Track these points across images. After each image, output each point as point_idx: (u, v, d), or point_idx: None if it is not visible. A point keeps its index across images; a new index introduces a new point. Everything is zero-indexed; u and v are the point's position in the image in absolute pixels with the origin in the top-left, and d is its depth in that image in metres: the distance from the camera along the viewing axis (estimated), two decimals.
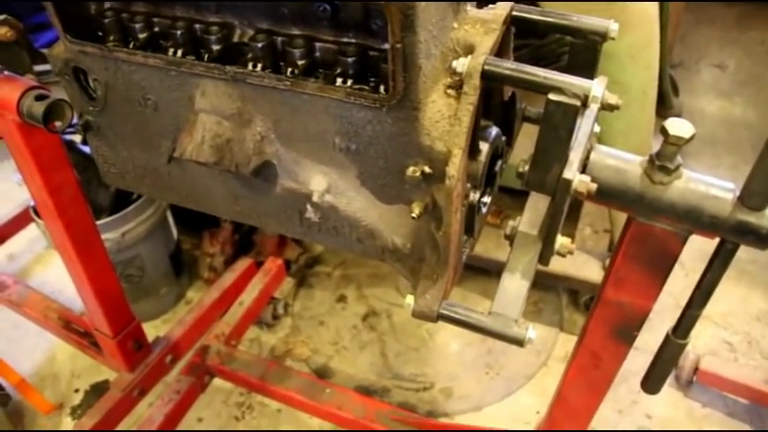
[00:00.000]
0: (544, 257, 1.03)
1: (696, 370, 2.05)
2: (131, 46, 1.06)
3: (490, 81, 0.90)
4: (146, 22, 1.05)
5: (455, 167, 0.89)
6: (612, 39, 0.98)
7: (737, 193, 0.93)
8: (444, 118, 0.90)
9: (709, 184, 0.95)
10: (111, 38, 1.08)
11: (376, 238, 1.07)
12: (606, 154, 0.99)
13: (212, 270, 2.50)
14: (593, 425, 1.44)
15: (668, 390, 2.06)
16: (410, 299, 1.01)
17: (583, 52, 1.02)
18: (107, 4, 1.07)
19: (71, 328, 2.17)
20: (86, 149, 2.19)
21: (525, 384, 2.17)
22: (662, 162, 0.95)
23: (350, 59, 0.92)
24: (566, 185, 0.92)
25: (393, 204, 1.02)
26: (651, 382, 1.31)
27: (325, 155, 1.01)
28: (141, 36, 1.05)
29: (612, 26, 0.97)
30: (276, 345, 2.36)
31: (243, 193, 1.15)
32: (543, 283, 2.43)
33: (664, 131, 0.93)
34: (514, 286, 1.00)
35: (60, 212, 1.57)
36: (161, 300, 2.49)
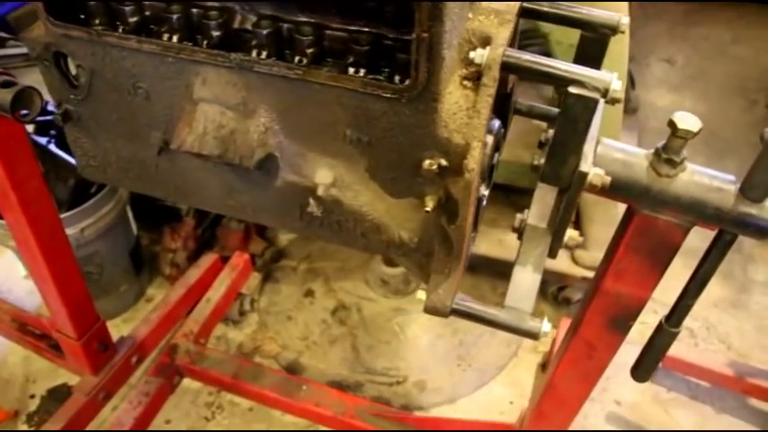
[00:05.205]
0: (553, 250, 1.03)
1: None
2: (120, 30, 1.00)
3: (508, 73, 0.89)
4: (136, 4, 0.99)
5: (474, 160, 0.88)
6: (622, 32, 0.98)
7: (738, 186, 0.96)
8: (462, 110, 0.88)
9: (712, 176, 0.97)
10: (97, 21, 1.01)
11: (382, 232, 1.05)
12: (612, 147, 1.00)
13: (174, 266, 2.41)
14: None
15: None
16: (422, 294, 0.99)
17: (592, 45, 1.02)
18: None
19: (26, 330, 2.05)
20: (41, 141, 2.08)
21: (497, 375, 2.19)
22: (668, 155, 0.96)
23: (363, 48, 0.89)
24: (581, 178, 0.92)
25: (402, 198, 1.00)
26: (642, 370, 1.34)
27: (332, 147, 0.97)
28: (132, 20, 0.99)
29: (623, 20, 0.98)
30: (244, 341, 2.30)
31: (239, 186, 1.10)
32: (510, 273, 2.45)
33: (672, 125, 0.94)
34: (527, 280, 0.99)
35: (24, 208, 1.47)
36: (121, 298, 2.38)
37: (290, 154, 1.01)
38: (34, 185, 1.49)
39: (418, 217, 1.00)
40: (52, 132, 2.09)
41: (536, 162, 0.94)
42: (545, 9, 0.99)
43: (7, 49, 3.17)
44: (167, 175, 1.15)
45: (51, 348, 1.98)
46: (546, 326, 0.96)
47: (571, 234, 1.03)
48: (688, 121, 0.94)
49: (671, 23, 3.72)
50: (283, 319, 2.36)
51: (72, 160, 2.03)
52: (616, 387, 2.10)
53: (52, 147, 2.06)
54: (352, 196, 1.02)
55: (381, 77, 0.90)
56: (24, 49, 3.14)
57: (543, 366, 2.21)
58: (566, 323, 1.70)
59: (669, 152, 0.96)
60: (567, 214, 0.98)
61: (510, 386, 2.16)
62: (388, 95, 0.87)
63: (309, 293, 2.45)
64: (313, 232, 1.11)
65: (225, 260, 2.34)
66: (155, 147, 1.09)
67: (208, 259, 2.28)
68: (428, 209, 0.93)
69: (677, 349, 2.14)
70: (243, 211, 1.15)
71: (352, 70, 0.90)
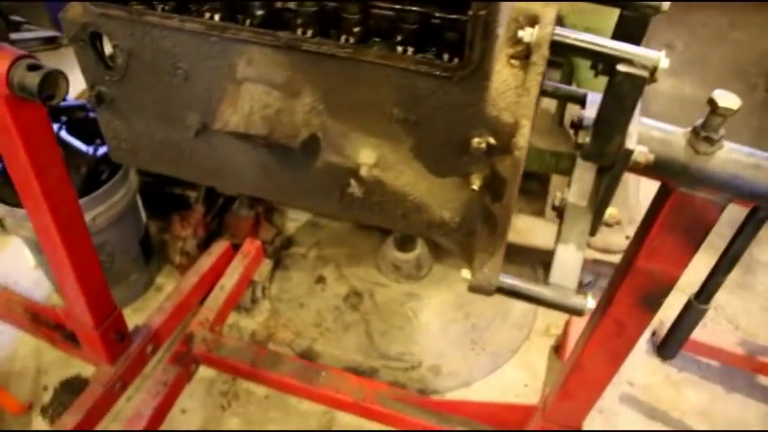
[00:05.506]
0: (593, 228, 1.04)
1: None
2: (159, 10, 0.99)
3: (555, 51, 0.89)
4: None
5: (524, 138, 0.89)
6: (665, 11, 0.99)
7: None
8: (510, 88, 0.89)
9: (748, 154, 0.99)
10: (135, 0, 1.00)
11: (423, 212, 1.05)
12: (650, 126, 1.01)
13: (184, 254, 2.40)
14: None
15: (647, 357, 2.15)
16: (466, 273, 1.00)
17: (632, 24, 1.03)
18: None
19: (39, 320, 2.03)
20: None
21: (510, 359, 2.20)
22: (707, 133, 0.97)
23: (411, 27, 0.89)
24: (626, 156, 0.93)
25: (446, 177, 1.00)
26: (669, 348, 1.36)
27: (377, 126, 0.98)
28: None
29: None
30: (257, 329, 2.30)
31: (277, 168, 1.10)
32: (519, 257, 2.47)
33: (712, 103, 0.96)
34: (570, 258, 1.00)
35: (46, 195, 1.46)
36: (131, 287, 2.37)
37: (333, 134, 1.01)
38: (56, 173, 1.47)
39: (461, 196, 1.01)
40: (63, 119, 2.07)
41: (580, 140, 0.95)
42: None
43: (22, 33, 3.10)
44: (203, 158, 1.15)
45: (66, 339, 1.97)
46: (591, 302, 0.97)
47: (610, 212, 1.04)
48: (728, 98, 0.95)
49: (669, 9, 3.73)
50: (295, 307, 2.36)
51: (83, 147, 2.03)
52: (628, 369, 2.12)
53: (63, 133, 2.03)
54: (394, 176, 1.02)
55: (431, 56, 0.90)
56: (39, 33, 3.09)
57: (556, 349, 2.23)
58: None
59: (708, 130, 0.97)
60: (609, 192, 0.99)
61: (523, 369, 2.18)
62: (438, 74, 0.88)
63: (321, 280, 2.45)
64: (352, 214, 1.11)
65: (236, 248, 2.34)
66: (192, 129, 1.09)
67: (219, 247, 2.28)
68: (475, 187, 0.94)
69: None
70: (280, 194, 1.15)
71: (400, 49, 0.90)
